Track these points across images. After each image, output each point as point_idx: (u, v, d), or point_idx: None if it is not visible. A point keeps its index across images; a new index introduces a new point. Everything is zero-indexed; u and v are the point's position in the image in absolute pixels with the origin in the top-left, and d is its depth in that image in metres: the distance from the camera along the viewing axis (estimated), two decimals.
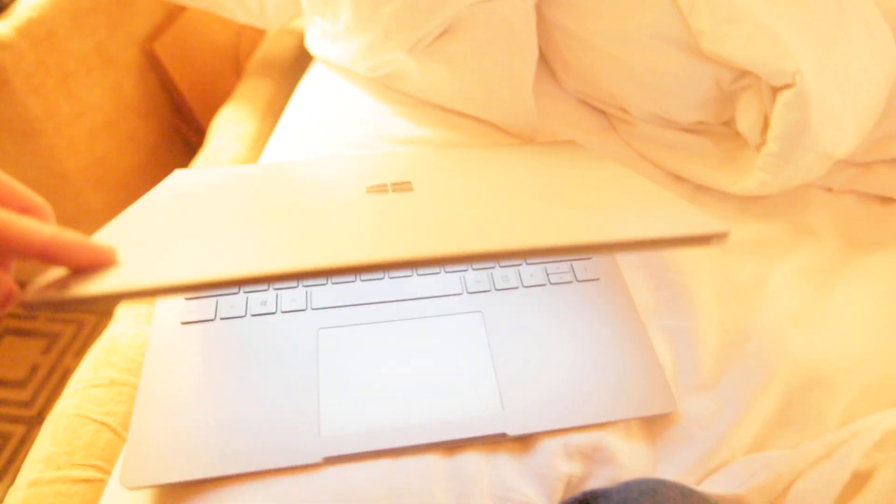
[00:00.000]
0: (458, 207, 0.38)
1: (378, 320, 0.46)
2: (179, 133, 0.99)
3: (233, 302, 0.46)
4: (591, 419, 0.42)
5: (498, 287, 0.48)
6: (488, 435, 0.40)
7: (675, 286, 0.50)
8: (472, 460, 0.40)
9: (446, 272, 0.49)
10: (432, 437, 0.40)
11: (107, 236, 0.35)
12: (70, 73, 0.75)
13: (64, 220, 0.82)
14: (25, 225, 0.25)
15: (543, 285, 0.49)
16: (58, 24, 0.71)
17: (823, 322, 0.49)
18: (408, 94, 0.62)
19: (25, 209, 0.28)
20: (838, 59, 0.50)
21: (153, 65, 0.92)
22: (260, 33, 1.07)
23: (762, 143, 0.53)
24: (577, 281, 0.49)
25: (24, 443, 0.83)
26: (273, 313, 0.46)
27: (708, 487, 0.40)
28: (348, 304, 0.46)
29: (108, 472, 0.44)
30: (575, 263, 0.50)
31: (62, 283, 0.28)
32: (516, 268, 0.50)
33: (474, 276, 0.49)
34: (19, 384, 0.92)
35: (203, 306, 0.46)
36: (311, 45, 0.69)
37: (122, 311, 0.54)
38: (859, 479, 0.40)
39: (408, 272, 0.48)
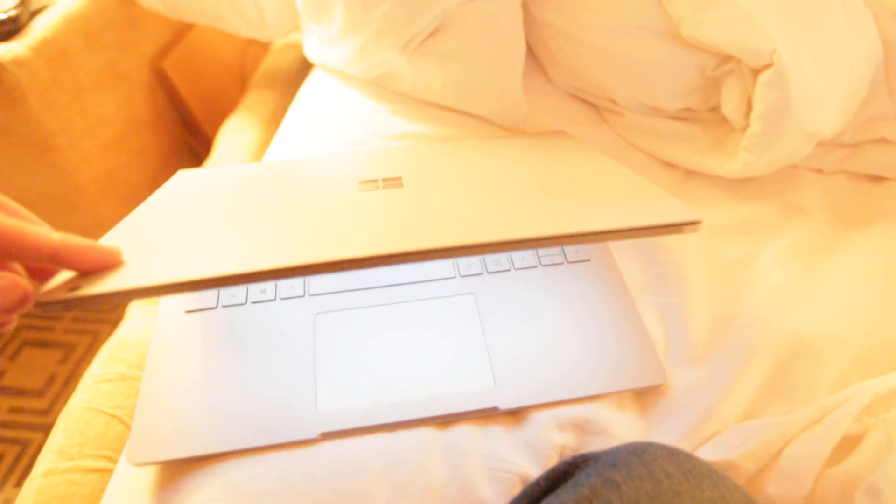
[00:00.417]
0: (444, 201, 0.40)
1: (373, 304, 0.47)
2: (188, 146, 1.02)
3: (233, 290, 0.48)
4: (582, 392, 0.42)
5: (490, 270, 0.49)
6: (480, 409, 0.41)
7: (666, 265, 0.51)
8: (465, 434, 0.41)
9: None
10: (426, 412, 0.41)
11: (115, 236, 0.38)
12: (83, 89, 0.78)
13: (79, 230, 0.85)
14: (37, 230, 0.28)
15: (535, 267, 0.50)
16: (71, 42, 0.75)
17: (814, 295, 0.49)
18: (402, 94, 0.65)
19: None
20: (816, 38, 0.51)
21: (162, 81, 0.95)
22: (264, 50, 1.11)
23: (746, 126, 0.55)
24: (568, 262, 0.50)
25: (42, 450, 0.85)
26: (272, 300, 0.47)
27: (700, 455, 0.40)
28: (344, 289, 0.48)
29: (118, 463, 0.46)
30: (565, 245, 0.51)
31: (72, 284, 0.30)
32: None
33: (466, 260, 0.50)
34: (37, 393, 0.95)
35: (205, 295, 0.48)
36: (310, 52, 0.72)
37: (133, 311, 0.56)
38: (849, 443, 0.40)
39: None
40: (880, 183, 0.60)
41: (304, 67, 0.94)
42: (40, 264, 0.29)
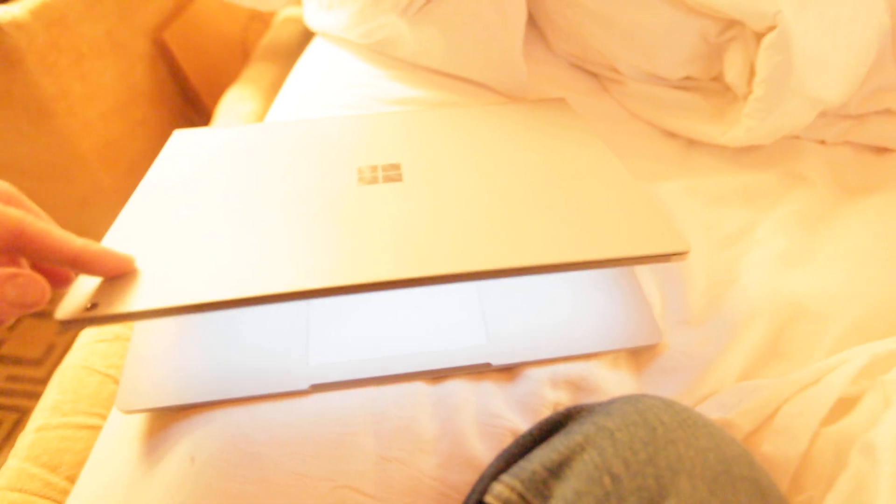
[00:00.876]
0: (441, 206, 0.40)
1: None
2: (188, 119, 1.02)
3: None
4: (577, 350, 0.42)
5: None
6: (473, 365, 0.41)
7: None
8: (456, 388, 0.40)
9: None
10: (417, 366, 0.41)
11: (122, 227, 0.39)
12: (83, 55, 0.78)
13: (78, 199, 0.86)
14: (63, 235, 0.29)
15: None
16: (70, 8, 0.75)
17: (814, 261, 0.49)
18: (401, 60, 0.64)
19: None
20: (822, 1, 0.50)
21: (163, 53, 0.95)
22: (266, 26, 1.10)
23: (749, 92, 0.54)
24: None
25: None
26: None
27: None
28: None
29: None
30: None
31: (90, 302, 0.32)
32: None
33: None
34: (36, 362, 0.95)
35: None
36: (310, 20, 0.71)
37: None
38: (846, 404, 0.39)
39: None
40: (884, 154, 0.60)
41: (306, 41, 0.93)
42: (60, 266, 0.30)
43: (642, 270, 0.48)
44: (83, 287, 0.33)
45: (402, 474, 0.36)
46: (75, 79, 0.77)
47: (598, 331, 0.43)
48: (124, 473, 0.36)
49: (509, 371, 0.42)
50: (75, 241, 0.30)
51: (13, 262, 0.31)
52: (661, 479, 0.28)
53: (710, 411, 0.40)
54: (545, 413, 0.40)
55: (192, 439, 0.37)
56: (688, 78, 0.61)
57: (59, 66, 0.74)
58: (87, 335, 0.52)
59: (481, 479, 0.33)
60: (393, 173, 0.45)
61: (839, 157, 0.59)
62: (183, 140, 0.53)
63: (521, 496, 0.30)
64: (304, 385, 0.39)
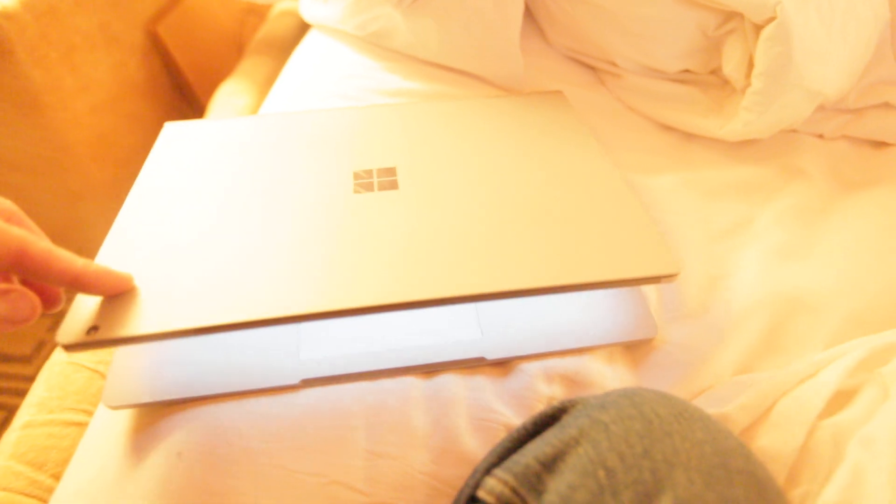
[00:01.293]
0: (436, 226, 0.40)
1: None
2: (182, 114, 1.01)
3: None
4: (571, 345, 0.41)
5: None
6: (466, 359, 0.40)
7: (660, 224, 0.50)
8: (450, 383, 0.40)
9: None
10: (410, 361, 0.40)
11: (118, 239, 0.40)
12: (74, 47, 0.77)
13: (68, 193, 0.85)
14: (64, 255, 0.29)
15: None
16: None
17: (811, 254, 0.48)
18: (397, 51, 0.63)
19: None
20: None
21: (156, 46, 0.94)
22: (262, 20, 1.09)
23: (747, 85, 0.53)
24: None
25: None
26: None
27: None
28: None
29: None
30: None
31: (90, 325, 0.33)
32: None
33: None
34: (26, 360, 0.94)
35: None
36: (305, 11, 0.71)
37: None
38: (843, 397, 0.39)
39: None
40: (882, 148, 0.59)
41: (301, 35, 0.92)
42: (60, 286, 0.31)
43: None
44: (82, 309, 0.33)
45: (393, 469, 0.36)
46: (66, 71, 0.76)
47: (592, 325, 0.42)
48: (110, 469, 0.35)
49: (503, 365, 0.41)
50: (76, 262, 0.30)
51: (4, 278, 0.31)
52: (657, 473, 0.27)
53: (707, 405, 0.39)
54: (539, 407, 0.39)
55: (181, 435, 0.36)
56: (686, 71, 0.60)
57: (50, 58, 0.73)
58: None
59: (474, 473, 0.32)
60: (388, 179, 0.45)
61: (837, 151, 0.59)
62: (175, 134, 0.52)
63: (514, 490, 0.29)
64: (295, 380, 0.39)
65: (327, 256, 0.38)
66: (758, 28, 0.51)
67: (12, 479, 0.41)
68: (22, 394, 0.46)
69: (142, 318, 0.33)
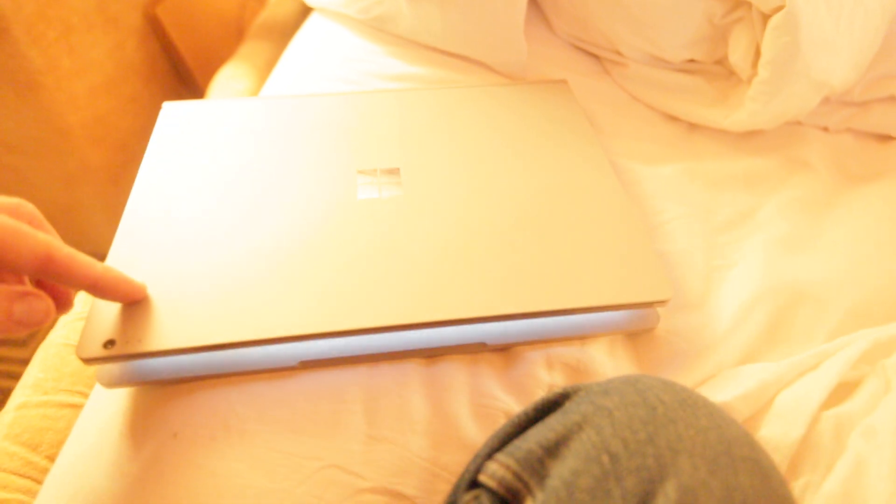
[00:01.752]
0: (436, 239, 0.41)
1: None
2: (181, 98, 0.99)
3: None
4: (573, 332, 0.41)
5: None
6: (467, 344, 0.40)
7: (663, 214, 0.49)
8: (450, 369, 0.39)
9: None
10: (410, 344, 0.40)
11: (125, 244, 0.40)
12: (71, 27, 0.76)
13: (65, 176, 0.84)
14: (86, 260, 0.30)
15: None
16: None
17: (815, 246, 0.48)
18: (400, 36, 0.62)
19: None
20: None
21: (155, 29, 0.93)
22: (262, 4, 1.08)
23: (753, 75, 0.53)
24: None
25: None
26: None
27: None
28: None
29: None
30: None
31: (106, 339, 0.34)
32: None
33: None
34: (21, 343, 0.94)
35: None
36: None
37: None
38: (846, 389, 0.39)
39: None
40: (887, 142, 0.59)
41: (303, 19, 0.91)
42: (79, 289, 0.31)
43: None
44: (98, 322, 0.35)
45: (392, 454, 0.35)
46: (63, 52, 0.75)
47: (595, 313, 0.42)
48: (105, 450, 0.35)
49: (504, 352, 0.41)
50: (96, 267, 0.31)
51: (18, 280, 0.31)
52: (661, 459, 0.27)
53: (709, 395, 0.39)
54: (540, 394, 0.39)
55: (177, 416, 0.36)
56: (691, 61, 0.60)
57: (47, 37, 0.72)
58: (72, 313, 0.50)
59: (475, 458, 0.32)
60: (392, 181, 0.45)
61: (842, 144, 0.58)
62: (175, 116, 0.51)
63: (517, 475, 0.29)
64: (294, 362, 0.38)
65: (335, 270, 0.39)
66: (765, 17, 0.50)
67: (7, 460, 0.40)
68: (17, 377, 0.46)
69: (154, 331, 0.35)
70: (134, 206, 0.43)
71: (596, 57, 0.66)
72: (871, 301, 0.44)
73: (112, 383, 0.37)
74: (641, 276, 0.40)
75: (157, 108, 0.53)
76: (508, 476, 0.29)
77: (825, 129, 0.60)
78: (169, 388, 0.38)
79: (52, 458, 0.41)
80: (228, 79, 0.81)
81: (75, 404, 0.45)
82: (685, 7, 0.55)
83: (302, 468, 0.34)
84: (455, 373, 0.39)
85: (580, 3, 0.61)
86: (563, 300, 0.38)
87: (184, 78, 0.99)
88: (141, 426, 0.36)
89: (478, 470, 0.31)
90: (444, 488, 0.35)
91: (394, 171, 0.46)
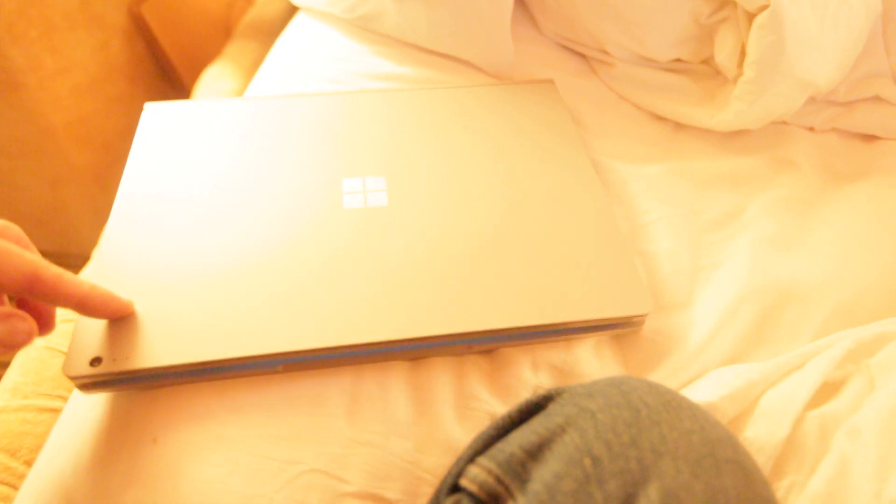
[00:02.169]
0: (422, 252, 0.41)
1: None
2: (167, 98, 0.99)
3: None
4: (558, 335, 0.41)
5: None
6: (452, 346, 0.40)
7: (649, 213, 0.49)
8: (435, 370, 0.39)
9: None
10: (394, 347, 0.39)
11: (108, 254, 0.40)
12: (54, 26, 0.75)
13: (48, 177, 0.83)
14: (73, 279, 0.30)
15: None
16: None
17: (801, 245, 0.48)
18: (386, 36, 0.62)
19: None
20: None
21: (140, 28, 0.92)
22: (250, 4, 1.07)
23: (739, 74, 0.53)
24: None
25: None
26: None
27: None
28: None
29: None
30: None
31: (93, 358, 0.34)
32: None
33: None
34: None
35: None
36: None
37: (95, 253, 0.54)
38: (830, 389, 0.39)
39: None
40: (872, 142, 0.59)
41: (290, 19, 0.90)
42: (65, 308, 0.31)
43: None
44: (83, 338, 0.35)
45: (374, 457, 0.35)
46: (46, 51, 0.74)
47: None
48: (84, 455, 0.34)
49: (489, 353, 0.41)
50: (83, 286, 0.31)
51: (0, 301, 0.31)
52: (644, 462, 0.27)
53: (694, 395, 0.39)
54: (525, 396, 0.39)
55: (157, 421, 0.35)
56: (677, 60, 0.60)
57: (29, 36, 0.71)
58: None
59: (457, 462, 0.32)
60: (377, 193, 0.45)
61: (827, 143, 0.59)
62: (157, 117, 0.51)
63: (498, 479, 0.28)
64: (276, 365, 0.38)
65: (321, 285, 0.39)
66: (750, 16, 0.51)
67: None
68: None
69: (144, 350, 0.35)
70: (117, 214, 0.43)
71: (583, 56, 0.66)
72: (856, 300, 0.44)
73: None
74: (622, 290, 0.40)
75: (141, 109, 0.52)
76: (490, 480, 0.28)
77: (811, 129, 0.60)
78: (149, 392, 0.37)
79: (31, 464, 0.40)
80: (214, 79, 0.80)
81: (55, 409, 0.44)
82: (672, 6, 0.55)
83: (283, 473, 0.34)
84: (440, 374, 0.39)
85: (567, 2, 0.61)
86: (545, 315, 0.38)
87: (170, 78, 0.98)
88: (120, 431, 0.35)
89: (459, 473, 0.30)
90: (428, 491, 0.35)
91: (379, 180, 0.46)
